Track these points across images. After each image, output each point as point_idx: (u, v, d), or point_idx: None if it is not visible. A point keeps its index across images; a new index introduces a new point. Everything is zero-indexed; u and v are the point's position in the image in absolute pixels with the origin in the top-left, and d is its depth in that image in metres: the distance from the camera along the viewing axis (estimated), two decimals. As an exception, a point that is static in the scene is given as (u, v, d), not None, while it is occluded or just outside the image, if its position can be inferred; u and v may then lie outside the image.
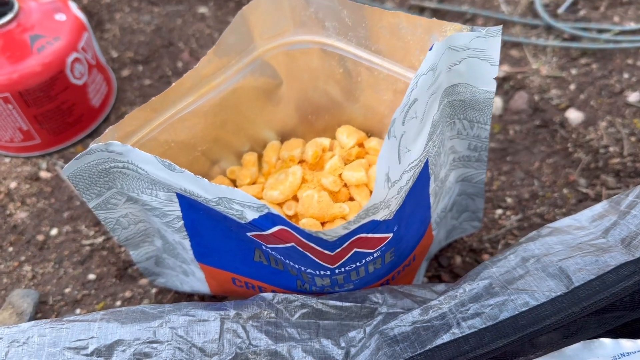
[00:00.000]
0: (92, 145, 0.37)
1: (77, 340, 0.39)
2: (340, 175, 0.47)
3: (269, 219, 0.35)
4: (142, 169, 0.38)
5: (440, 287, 0.45)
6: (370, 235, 0.37)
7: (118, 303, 0.56)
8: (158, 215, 0.42)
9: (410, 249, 0.44)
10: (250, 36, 0.43)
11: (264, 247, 0.41)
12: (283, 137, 0.54)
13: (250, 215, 0.36)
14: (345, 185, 0.47)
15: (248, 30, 0.43)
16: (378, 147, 0.49)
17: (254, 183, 0.51)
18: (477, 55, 0.36)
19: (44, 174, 0.68)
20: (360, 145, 0.50)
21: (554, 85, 0.70)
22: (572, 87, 0.70)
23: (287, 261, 0.40)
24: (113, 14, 0.84)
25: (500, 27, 0.35)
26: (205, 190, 0.37)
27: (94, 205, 0.41)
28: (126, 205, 0.43)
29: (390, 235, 0.39)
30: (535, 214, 0.59)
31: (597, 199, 0.60)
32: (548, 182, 0.62)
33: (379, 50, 0.42)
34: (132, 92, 0.74)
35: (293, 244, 0.37)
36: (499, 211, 0.60)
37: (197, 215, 0.41)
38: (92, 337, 0.39)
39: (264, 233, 0.37)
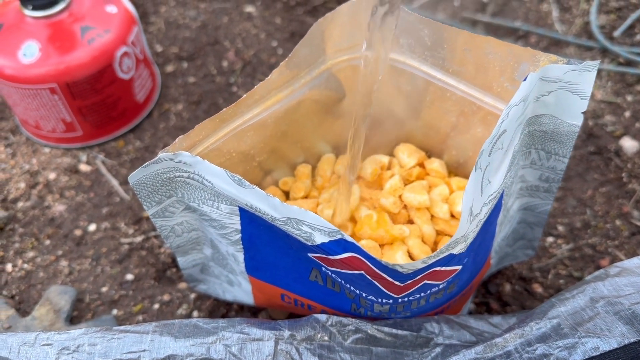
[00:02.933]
0: (161, 154, 0.36)
1: (128, 352, 0.38)
2: (400, 196, 0.45)
3: (340, 245, 0.34)
4: (208, 180, 0.37)
5: (496, 319, 0.44)
6: (443, 268, 0.35)
7: (156, 306, 0.55)
8: (216, 226, 0.41)
9: (471, 279, 0.43)
10: (323, 49, 0.42)
11: (323, 269, 0.39)
12: (337, 150, 0.52)
13: (320, 239, 0.35)
14: (405, 206, 0.46)
15: (321, 43, 0.41)
16: (440, 169, 0.47)
17: (307, 196, 0.49)
18: (568, 89, 0.35)
19: (83, 167, 0.67)
20: (421, 165, 0.48)
21: (608, 111, 0.68)
22: (628, 114, 0.68)
23: (348, 285, 0.39)
24: (158, 7, 0.83)
25: (598, 62, 0.33)
26: (274, 209, 0.35)
27: (152, 212, 0.40)
28: (183, 213, 0.42)
29: (460, 267, 0.37)
30: (587, 244, 0.57)
31: (652, 233, 0.58)
32: (601, 212, 0.60)
33: (458, 73, 0.40)
34: (176, 88, 0.73)
35: (362, 272, 0.35)
36: (550, 239, 0.58)
37: (256, 230, 0.40)
38: (144, 350, 0.38)
39: (331, 257, 0.36)
